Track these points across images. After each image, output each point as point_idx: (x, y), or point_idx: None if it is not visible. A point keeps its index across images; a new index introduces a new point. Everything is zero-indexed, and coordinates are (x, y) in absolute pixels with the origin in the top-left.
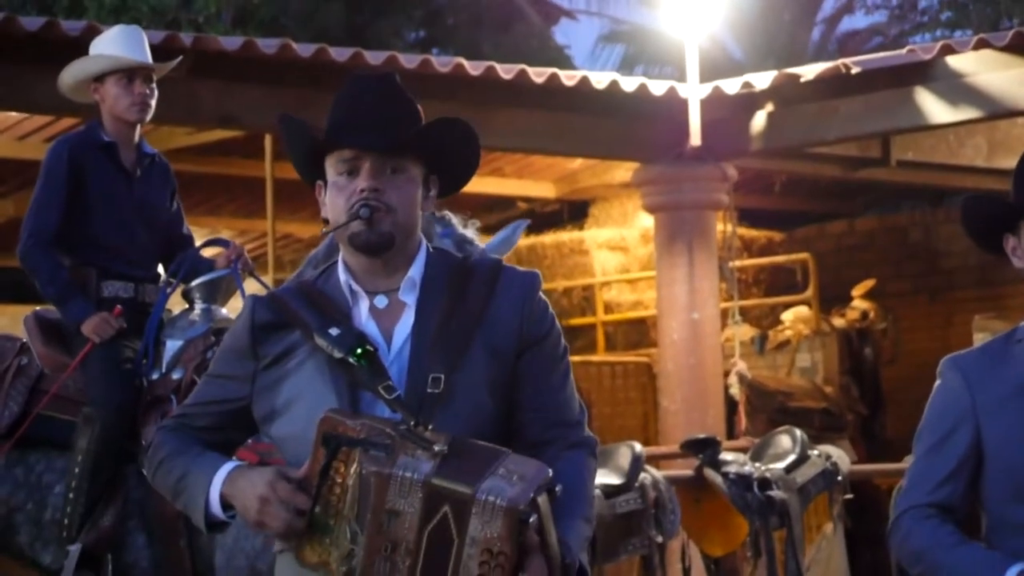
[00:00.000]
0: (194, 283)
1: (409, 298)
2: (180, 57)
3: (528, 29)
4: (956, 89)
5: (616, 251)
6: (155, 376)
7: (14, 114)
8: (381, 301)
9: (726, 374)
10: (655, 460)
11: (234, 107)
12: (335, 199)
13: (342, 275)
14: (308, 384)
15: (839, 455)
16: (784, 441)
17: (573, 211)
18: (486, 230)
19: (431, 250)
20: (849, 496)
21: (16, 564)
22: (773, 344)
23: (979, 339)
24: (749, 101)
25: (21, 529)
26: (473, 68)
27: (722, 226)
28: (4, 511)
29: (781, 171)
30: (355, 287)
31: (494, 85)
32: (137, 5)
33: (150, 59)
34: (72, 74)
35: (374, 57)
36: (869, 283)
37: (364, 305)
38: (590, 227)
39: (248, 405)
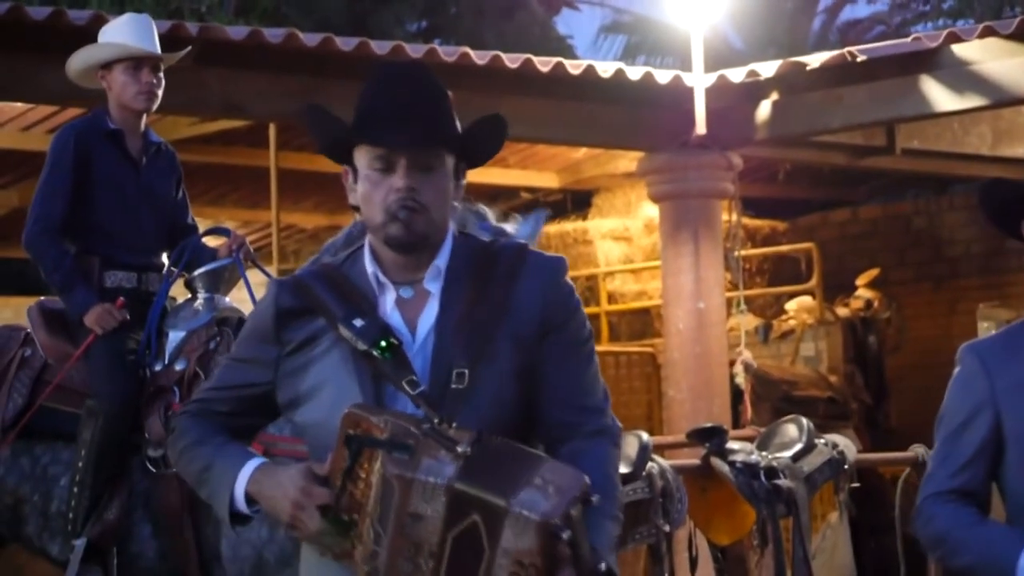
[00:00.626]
0: (196, 272)
1: (434, 287)
2: (188, 48)
3: (530, 18)
4: (961, 77)
5: (620, 241)
6: (158, 367)
7: (18, 105)
8: (407, 292)
9: (731, 363)
10: (661, 449)
11: (240, 96)
12: (369, 194)
13: (369, 266)
14: (333, 373)
15: (846, 444)
16: (791, 430)
17: (576, 201)
18: None
19: (457, 236)
20: (856, 485)
21: (27, 551)
22: (777, 333)
23: (983, 327)
24: (754, 89)
25: (29, 520)
26: (479, 57)
27: (727, 215)
28: (11, 502)
29: (786, 159)
30: (382, 279)
31: (499, 74)
32: None
33: (158, 48)
34: (80, 60)
35: (380, 47)
36: (873, 272)
37: (390, 296)
38: (593, 217)
39: (271, 390)
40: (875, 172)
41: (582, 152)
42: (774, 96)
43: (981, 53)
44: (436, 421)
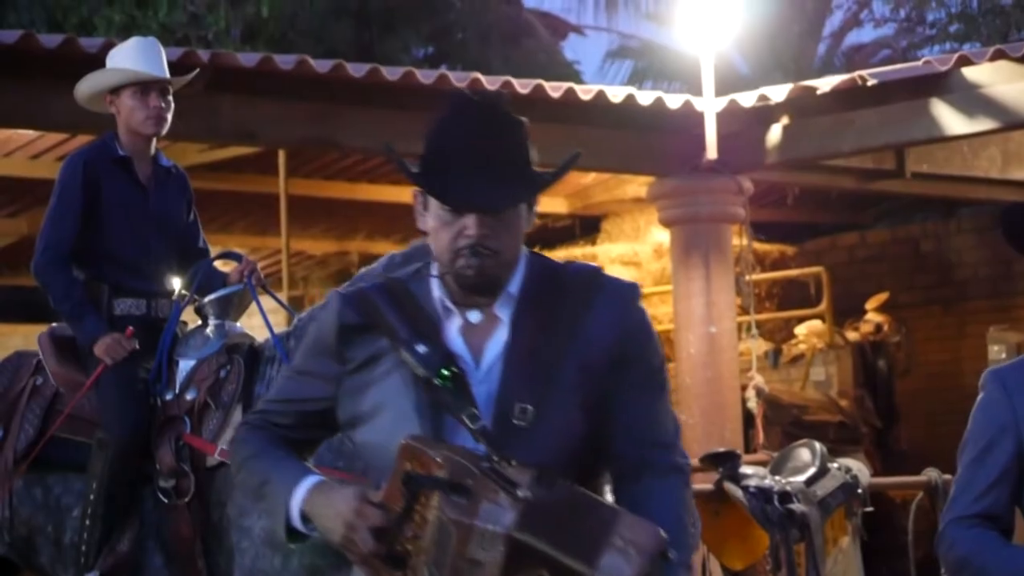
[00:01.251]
0: (207, 299)
1: (504, 313)
2: (196, 71)
3: (537, 44)
4: (972, 100)
5: (629, 266)
6: (168, 396)
7: (27, 132)
8: (475, 316)
9: (743, 388)
10: None
11: (252, 123)
12: (438, 232)
13: (436, 290)
14: (393, 396)
15: (858, 468)
16: (803, 454)
17: (585, 226)
18: None
19: (530, 258)
20: (869, 509)
21: None
22: (787, 358)
23: (994, 351)
24: (765, 114)
25: (42, 551)
26: (490, 83)
27: (738, 240)
28: (25, 532)
29: (796, 183)
30: (448, 304)
31: (510, 100)
32: (147, 23)
33: (167, 72)
34: (88, 86)
35: (391, 73)
36: (883, 296)
37: (456, 322)
38: (602, 242)
39: (331, 406)
40: (884, 196)
41: (591, 177)
42: (784, 120)
43: (991, 76)
44: (496, 459)
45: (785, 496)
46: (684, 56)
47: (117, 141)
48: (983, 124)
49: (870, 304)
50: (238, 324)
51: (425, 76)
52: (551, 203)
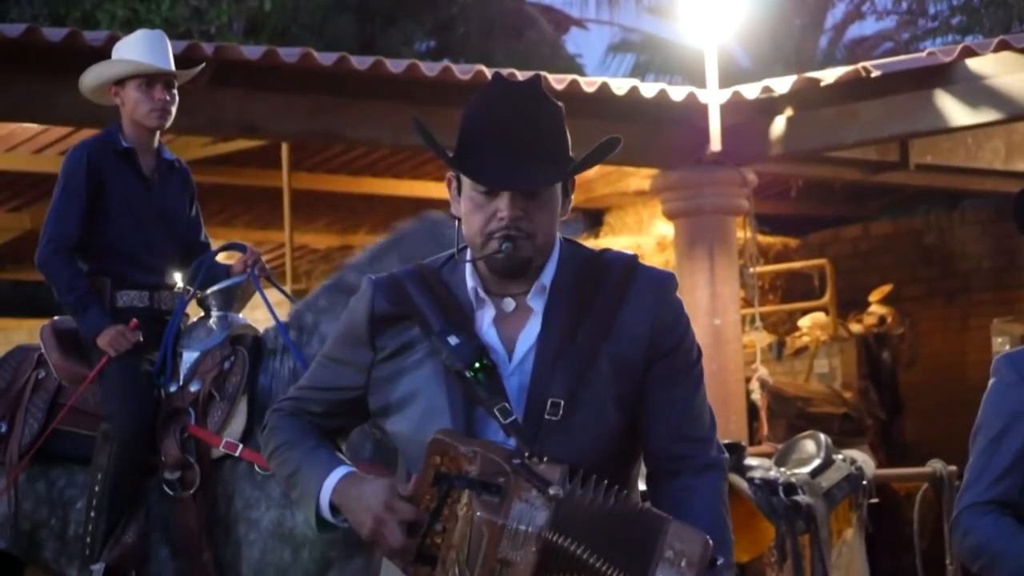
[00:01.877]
0: (210, 290)
1: (537, 304)
2: (203, 65)
3: (539, 38)
4: (976, 91)
5: None
6: (173, 388)
7: (30, 127)
8: (508, 305)
9: (747, 380)
10: None
11: (256, 116)
12: (471, 215)
13: (469, 280)
14: (424, 386)
15: (863, 459)
16: (809, 446)
17: (589, 220)
18: None
19: (564, 247)
20: (875, 500)
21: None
22: (791, 350)
23: (998, 342)
24: (768, 106)
25: (46, 545)
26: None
27: (742, 232)
28: (28, 527)
29: (800, 175)
30: (482, 294)
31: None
32: (150, 17)
33: (172, 65)
34: (93, 77)
35: (395, 65)
36: (886, 288)
37: (489, 312)
38: (606, 235)
39: (363, 395)
40: (887, 188)
41: (594, 170)
42: (788, 112)
43: (995, 67)
44: (527, 455)
45: (790, 488)
46: (686, 49)
47: (121, 133)
48: (987, 115)
49: (874, 296)
50: (241, 316)
51: (429, 69)
52: None
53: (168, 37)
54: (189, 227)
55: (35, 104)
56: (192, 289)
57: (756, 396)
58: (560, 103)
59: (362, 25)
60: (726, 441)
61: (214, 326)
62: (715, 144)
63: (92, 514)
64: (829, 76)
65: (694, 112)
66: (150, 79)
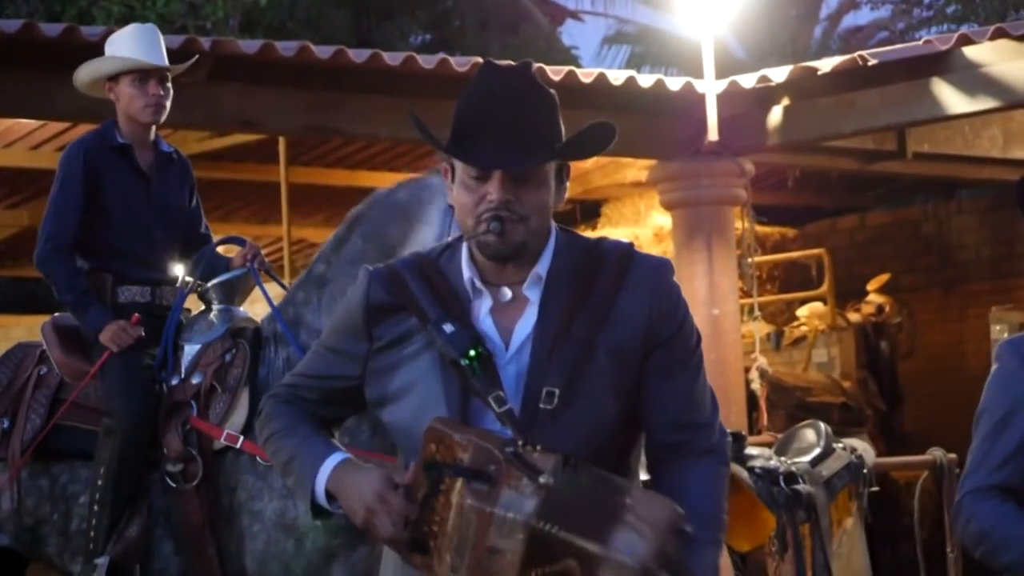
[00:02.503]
0: (210, 284)
1: (533, 294)
2: (196, 57)
3: (535, 30)
4: (973, 79)
5: None
6: (174, 382)
7: (27, 123)
8: (504, 294)
9: (746, 370)
10: None
11: (254, 111)
12: (462, 197)
13: (466, 270)
14: (421, 377)
15: (864, 448)
16: (809, 435)
17: (586, 211)
18: None
19: (561, 236)
20: (875, 489)
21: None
22: (789, 340)
23: (996, 330)
24: (765, 95)
25: (49, 540)
26: None
27: (740, 222)
28: (31, 523)
29: (797, 165)
30: (479, 285)
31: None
32: (145, 13)
33: (165, 59)
34: (87, 73)
35: (392, 58)
36: (884, 277)
37: (486, 302)
38: (603, 227)
39: (358, 385)
40: (884, 178)
41: (591, 162)
42: (785, 101)
43: (992, 55)
44: (521, 444)
45: (791, 477)
46: (682, 40)
47: (117, 129)
48: (984, 103)
49: (871, 285)
50: (242, 309)
51: (426, 61)
52: None
53: (164, 33)
54: (189, 219)
55: (32, 100)
56: (192, 282)
57: (755, 386)
58: (552, 89)
59: (358, 20)
60: (727, 430)
61: (215, 319)
62: (712, 134)
63: (95, 509)
64: (826, 65)
65: (691, 102)
66: (144, 74)
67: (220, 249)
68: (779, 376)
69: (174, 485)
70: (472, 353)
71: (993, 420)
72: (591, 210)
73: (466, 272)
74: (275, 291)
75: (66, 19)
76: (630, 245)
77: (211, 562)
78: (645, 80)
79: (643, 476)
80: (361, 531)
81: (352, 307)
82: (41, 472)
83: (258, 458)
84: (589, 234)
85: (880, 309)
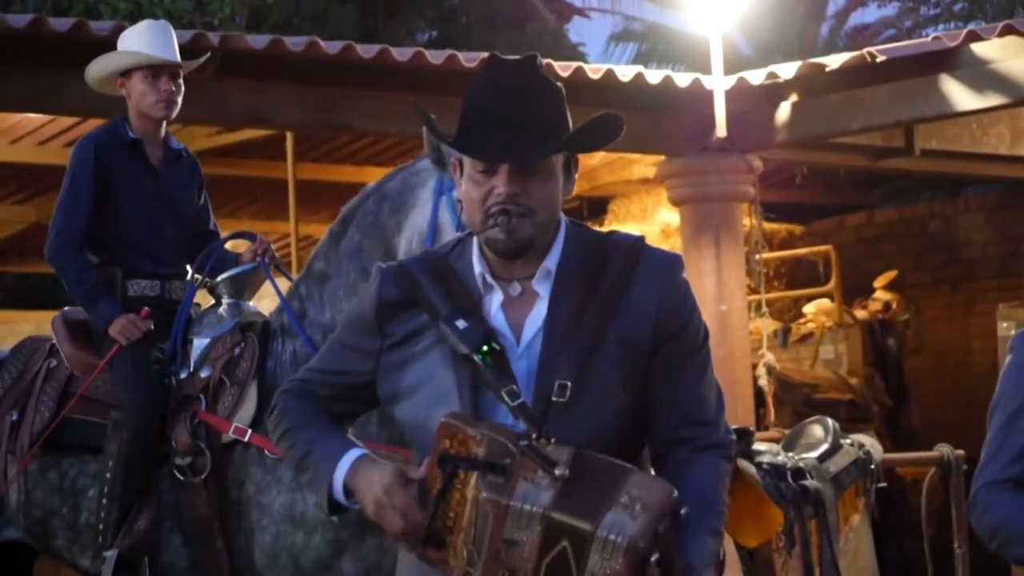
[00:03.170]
0: (220, 278)
1: (543, 288)
2: (208, 54)
3: (542, 27)
4: (981, 76)
5: None
6: (183, 375)
7: (35, 119)
8: (515, 289)
9: (754, 366)
10: None
11: (262, 106)
12: (470, 192)
13: (477, 265)
14: (433, 373)
15: (871, 444)
16: (816, 431)
17: (593, 208)
18: None
19: (570, 230)
20: (883, 485)
21: (58, 563)
22: (796, 337)
23: (1003, 327)
24: (774, 92)
25: (58, 534)
26: None
27: (748, 219)
28: (40, 516)
29: (805, 162)
30: (489, 280)
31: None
32: (152, 10)
33: (177, 55)
34: (98, 69)
35: (401, 54)
36: (891, 274)
37: (497, 297)
38: (610, 223)
39: (371, 380)
40: (891, 176)
41: (598, 158)
42: (793, 98)
43: (1001, 52)
44: (535, 437)
45: (798, 472)
46: (689, 37)
47: (128, 124)
48: (992, 100)
49: (878, 282)
50: (251, 303)
51: (435, 57)
52: None
53: (174, 28)
54: (198, 216)
55: (41, 95)
56: (202, 277)
57: (763, 382)
58: (558, 82)
59: (364, 17)
60: (734, 427)
61: (224, 313)
62: (720, 131)
63: (104, 502)
64: (834, 61)
65: (699, 99)
66: (156, 70)
67: (228, 245)
68: (786, 372)
69: (183, 478)
70: (485, 348)
71: (1008, 411)
72: (598, 207)
73: (477, 267)
74: (284, 285)
75: (73, 16)
76: (640, 238)
77: (219, 555)
78: (653, 76)
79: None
80: (369, 524)
81: (364, 304)
82: (50, 465)
83: (267, 451)
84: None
85: (887, 306)
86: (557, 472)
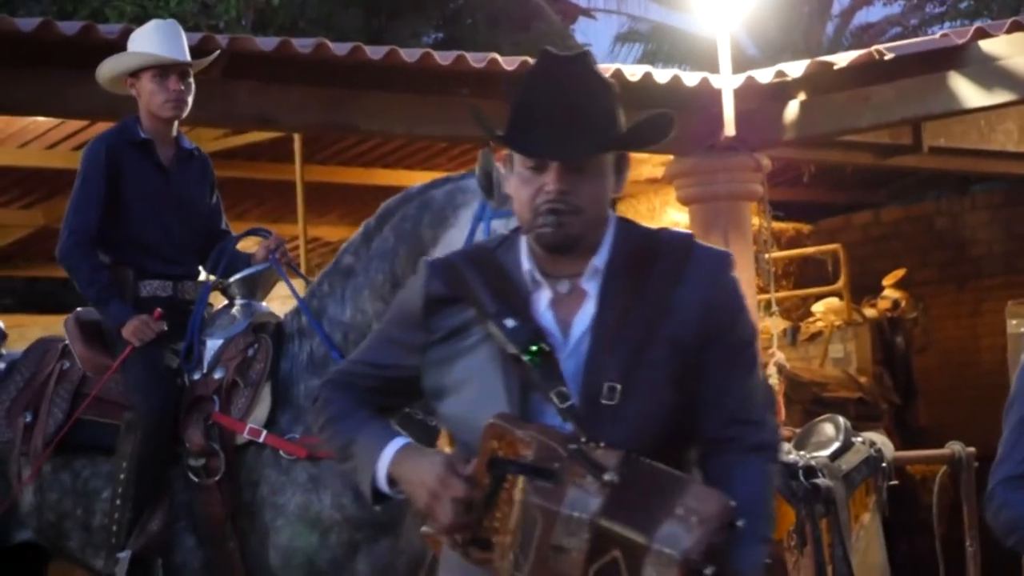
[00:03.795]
0: (233, 279)
1: (591, 287)
2: (217, 52)
3: (547, 28)
4: (989, 73)
5: None
6: (196, 376)
7: (42, 122)
8: (563, 286)
9: (764, 365)
10: None
11: (270, 108)
12: (519, 189)
13: (525, 262)
14: (480, 370)
15: (882, 442)
16: (827, 429)
17: None
18: None
19: (619, 227)
20: (894, 483)
21: (72, 564)
22: (805, 335)
23: (1012, 324)
24: (781, 90)
25: (71, 535)
26: (507, 63)
27: (757, 219)
28: (54, 517)
29: (813, 160)
30: (538, 277)
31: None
32: (158, 13)
33: (187, 55)
34: (108, 69)
35: (409, 55)
36: (899, 272)
37: (545, 295)
38: None
39: (416, 375)
40: (898, 174)
41: None
42: (801, 96)
43: (1009, 48)
44: (584, 440)
45: (810, 471)
46: (694, 38)
47: (139, 124)
48: (1000, 97)
49: (887, 281)
50: (264, 303)
51: (443, 58)
52: None
53: None
54: (210, 215)
55: (49, 98)
56: (216, 277)
57: (773, 381)
58: (612, 80)
59: (369, 19)
60: None
61: (237, 314)
62: (729, 129)
63: (117, 503)
64: (842, 60)
65: (707, 98)
66: (165, 70)
67: (240, 244)
68: (796, 371)
69: (196, 480)
70: (533, 348)
71: (1023, 409)
72: None
73: (525, 264)
74: (298, 285)
75: (79, 19)
76: (689, 236)
77: (233, 556)
78: (661, 76)
79: None
80: (389, 525)
81: (411, 298)
82: (63, 466)
83: (281, 452)
84: None
85: (896, 304)
86: (606, 478)
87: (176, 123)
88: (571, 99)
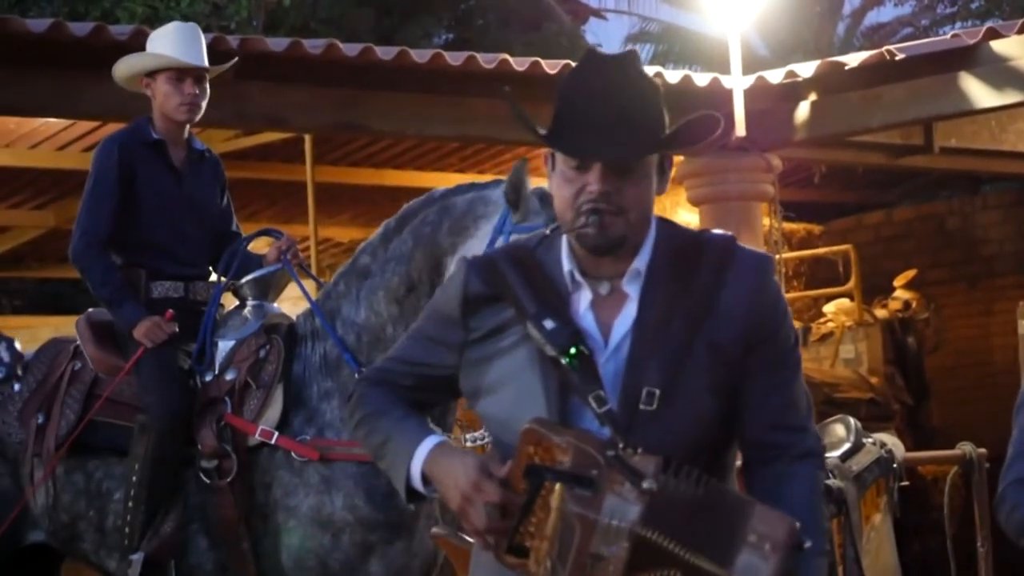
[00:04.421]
0: (244, 280)
1: (632, 289)
2: (235, 59)
3: (558, 29)
4: (1000, 73)
5: None
6: (208, 378)
7: (54, 124)
8: (604, 288)
9: None
10: None
11: (281, 108)
12: (561, 188)
13: (566, 263)
14: (518, 371)
15: (893, 442)
16: (838, 430)
17: None
18: None
19: (661, 229)
20: (906, 483)
21: (85, 566)
22: (816, 336)
23: (1023, 324)
24: (792, 91)
25: (85, 536)
26: (518, 64)
27: (768, 220)
28: (67, 519)
29: (824, 161)
30: (578, 278)
31: (538, 81)
32: (169, 14)
33: (205, 60)
34: (125, 68)
35: (420, 55)
36: (911, 273)
37: (586, 296)
38: None
39: (453, 374)
40: (909, 174)
41: None
42: (812, 96)
43: (1020, 49)
44: (622, 446)
45: None
46: (705, 39)
47: (151, 125)
48: (1012, 97)
49: (898, 281)
50: (276, 304)
51: (454, 58)
52: None
53: None
54: (221, 217)
55: (60, 99)
56: (228, 279)
57: None
58: (657, 81)
59: (380, 19)
60: None
61: (249, 315)
62: (740, 130)
63: (130, 505)
64: (853, 60)
65: (718, 98)
66: (181, 73)
67: (252, 245)
68: (807, 372)
69: (209, 481)
70: (573, 351)
71: None
72: None
73: (566, 265)
74: (310, 286)
75: (90, 20)
76: (731, 239)
77: (245, 557)
78: (672, 76)
79: None
80: (402, 526)
81: (449, 296)
82: (76, 468)
83: (293, 454)
84: None
85: (907, 305)
86: (645, 485)
87: (188, 126)
88: (617, 99)
